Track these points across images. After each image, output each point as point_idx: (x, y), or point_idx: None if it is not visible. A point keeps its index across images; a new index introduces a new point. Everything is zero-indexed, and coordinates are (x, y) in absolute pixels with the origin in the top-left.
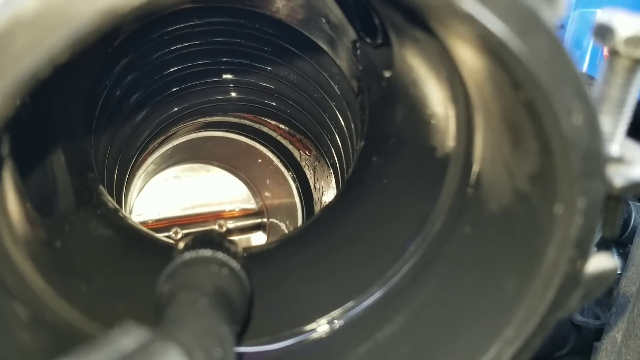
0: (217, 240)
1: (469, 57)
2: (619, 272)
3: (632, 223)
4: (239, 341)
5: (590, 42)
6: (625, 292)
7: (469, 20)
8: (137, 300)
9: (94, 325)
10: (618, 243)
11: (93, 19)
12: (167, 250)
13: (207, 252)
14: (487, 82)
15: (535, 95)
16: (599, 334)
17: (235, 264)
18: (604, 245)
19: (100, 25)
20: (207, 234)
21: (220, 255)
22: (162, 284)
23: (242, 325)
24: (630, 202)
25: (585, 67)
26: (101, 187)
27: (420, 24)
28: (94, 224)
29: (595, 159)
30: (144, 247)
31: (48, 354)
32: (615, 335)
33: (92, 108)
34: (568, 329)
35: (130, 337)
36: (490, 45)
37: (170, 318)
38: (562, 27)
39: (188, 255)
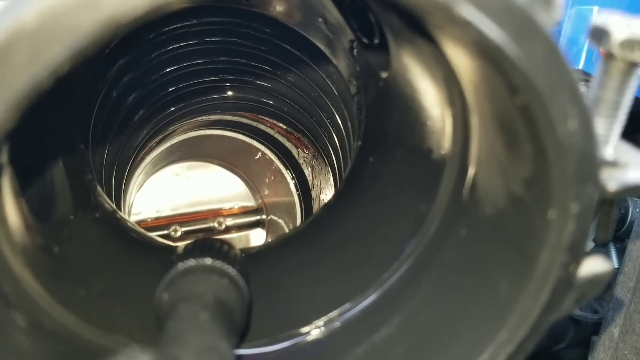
0: (216, 246)
1: (465, 61)
2: (616, 266)
3: (629, 218)
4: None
5: (586, 40)
6: (622, 288)
7: (466, 25)
8: (136, 304)
9: (92, 330)
10: (615, 238)
11: (94, 29)
12: (166, 252)
13: (207, 260)
14: (482, 85)
15: (531, 100)
16: (597, 327)
17: (234, 273)
18: None
19: (101, 35)
20: (206, 240)
21: (220, 263)
22: (161, 292)
23: (240, 336)
24: (628, 198)
25: (581, 65)
26: (99, 189)
27: (417, 27)
28: (92, 227)
29: (590, 163)
30: (142, 249)
31: None
32: (613, 330)
33: (89, 109)
34: (566, 323)
35: None
36: (486, 50)
37: (171, 334)
38: (558, 24)
39: (188, 263)
